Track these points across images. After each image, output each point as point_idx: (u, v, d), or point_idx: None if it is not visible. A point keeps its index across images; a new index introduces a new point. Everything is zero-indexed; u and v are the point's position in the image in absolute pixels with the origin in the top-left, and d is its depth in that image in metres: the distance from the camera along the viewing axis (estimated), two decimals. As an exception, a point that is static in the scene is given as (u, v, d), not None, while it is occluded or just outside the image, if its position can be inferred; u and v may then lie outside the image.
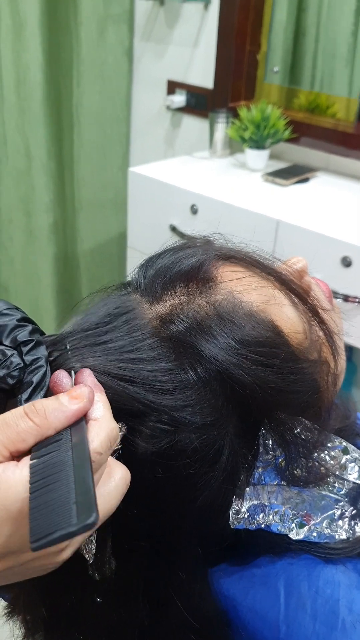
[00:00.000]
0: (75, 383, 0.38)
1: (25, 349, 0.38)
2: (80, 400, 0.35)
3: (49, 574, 0.45)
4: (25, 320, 0.39)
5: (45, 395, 0.39)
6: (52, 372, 0.39)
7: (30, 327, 0.39)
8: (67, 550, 0.35)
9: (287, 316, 0.44)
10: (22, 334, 0.38)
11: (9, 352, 0.37)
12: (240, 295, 0.43)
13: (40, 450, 0.34)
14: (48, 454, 0.33)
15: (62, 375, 0.39)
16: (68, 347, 0.41)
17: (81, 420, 0.35)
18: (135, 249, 1.72)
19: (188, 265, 0.44)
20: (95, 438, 0.34)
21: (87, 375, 0.38)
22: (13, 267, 1.98)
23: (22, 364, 0.37)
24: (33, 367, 0.37)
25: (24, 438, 0.34)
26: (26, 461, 0.33)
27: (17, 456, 0.34)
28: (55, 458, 0.33)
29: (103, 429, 0.35)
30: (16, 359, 0.37)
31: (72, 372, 0.40)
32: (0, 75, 1.71)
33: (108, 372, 0.40)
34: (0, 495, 0.32)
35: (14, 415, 0.34)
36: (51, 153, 1.88)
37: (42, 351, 0.38)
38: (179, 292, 0.43)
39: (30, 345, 0.38)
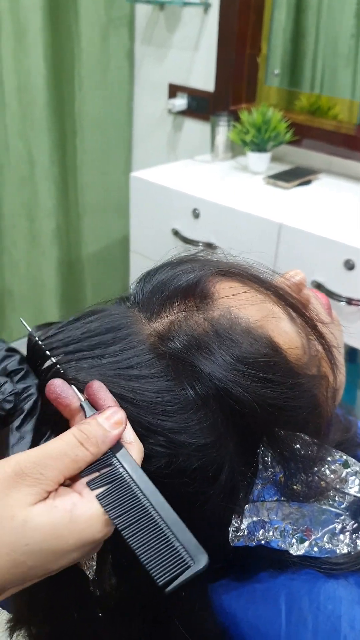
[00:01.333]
0: (89, 397, 0.38)
1: (15, 378, 0.38)
2: (121, 426, 0.37)
3: (51, 590, 0.45)
4: (12, 350, 0.40)
5: (42, 411, 0.39)
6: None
7: (18, 357, 0.39)
8: None
9: (284, 331, 0.44)
10: (12, 364, 0.38)
11: (1, 380, 0.38)
12: (238, 311, 0.42)
13: (90, 475, 0.36)
14: (107, 483, 0.35)
15: (64, 387, 0.38)
16: (61, 357, 0.40)
17: (118, 442, 0.37)
18: (138, 253, 1.72)
19: (185, 282, 0.44)
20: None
21: (104, 392, 0.38)
22: (17, 271, 1.98)
23: (15, 390, 0.37)
24: (24, 395, 0.37)
25: (80, 466, 0.35)
26: (88, 492, 0.35)
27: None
28: (121, 490, 0.35)
29: (138, 452, 0.37)
30: (9, 386, 0.37)
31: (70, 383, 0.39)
32: (1, 82, 1.71)
33: (109, 390, 0.39)
34: (78, 532, 0.33)
35: (69, 445, 0.35)
36: (54, 158, 1.88)
37: (32, 379, 0.38)
38: (176, 309, 0.43)
39: (20, 374, 0.38)
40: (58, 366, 0.40)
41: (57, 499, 0.34)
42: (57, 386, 0.38)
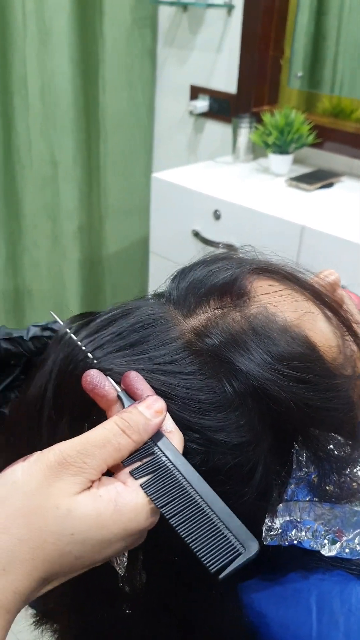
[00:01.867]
0: (126, 387, 0.38)
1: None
2: (162, 415, 0.37)
3: (77, 586, 0.44)
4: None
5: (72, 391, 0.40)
6: (83, 369, 0.40)
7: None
8: None
9: (321, 330, 0.43)
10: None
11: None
12: (275, 310, 0.42)
13: (133, 464, 0.36)
14: (151, 472, 0.35)
15: (100, 377, 0.38)
16: (97, 344, 0.41)
17: (159, 431, 0.37)
18: (157, 254, 1.73)
19: (222, 279, 0.44)
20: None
21: (142, 381, 0.38)
22: (38, 271, 1.99)
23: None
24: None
25: (123, 455, 0.35)
26: (132, 481, 0.35)
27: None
28: (165, 478, 0.35)
29: (179, 441, 0.37)
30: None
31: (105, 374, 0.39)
32: (25, 82, 1.73)
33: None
34: (123, 522, 0.33)
35: (112, 433, 0.35)
36: (77, 159, 1.89)
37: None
38: (213, 306, 0.43)
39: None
40: (90, 356, 0.40)
41: (101, 488, 0.34)
42: (94, 377, 0.38)
